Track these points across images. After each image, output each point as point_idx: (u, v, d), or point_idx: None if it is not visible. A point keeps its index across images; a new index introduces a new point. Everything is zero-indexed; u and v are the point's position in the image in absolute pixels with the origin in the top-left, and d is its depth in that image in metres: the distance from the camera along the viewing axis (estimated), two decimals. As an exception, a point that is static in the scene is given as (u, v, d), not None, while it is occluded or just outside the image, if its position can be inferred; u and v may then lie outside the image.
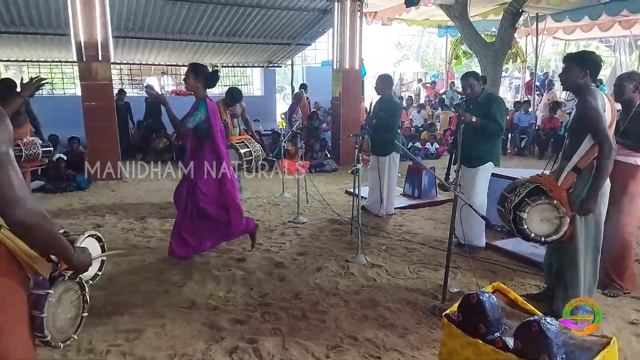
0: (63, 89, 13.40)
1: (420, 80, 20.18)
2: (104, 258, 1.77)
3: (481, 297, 1.93)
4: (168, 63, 13.19)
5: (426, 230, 5.13)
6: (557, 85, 12.82)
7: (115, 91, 9.08)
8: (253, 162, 5.64)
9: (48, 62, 12.19)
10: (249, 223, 4.23)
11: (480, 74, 5.43)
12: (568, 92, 11.16)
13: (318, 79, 13.69)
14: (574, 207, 2.85)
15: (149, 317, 3.13)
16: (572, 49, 16.40)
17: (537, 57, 11.81)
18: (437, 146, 10.45)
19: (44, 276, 1.45)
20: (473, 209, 3.26)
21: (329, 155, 9.36)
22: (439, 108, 13.41)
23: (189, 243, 4.08)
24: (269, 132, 10.82)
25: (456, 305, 2.07)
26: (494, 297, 1.98)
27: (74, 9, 6.80)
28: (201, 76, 3.96)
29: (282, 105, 15.48)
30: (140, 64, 12.93)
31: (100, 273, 1.69)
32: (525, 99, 12.68)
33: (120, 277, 3.74)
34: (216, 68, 4.18)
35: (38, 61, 12.02)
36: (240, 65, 13.76)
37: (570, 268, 2.97)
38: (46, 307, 1.45)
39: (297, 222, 5.36)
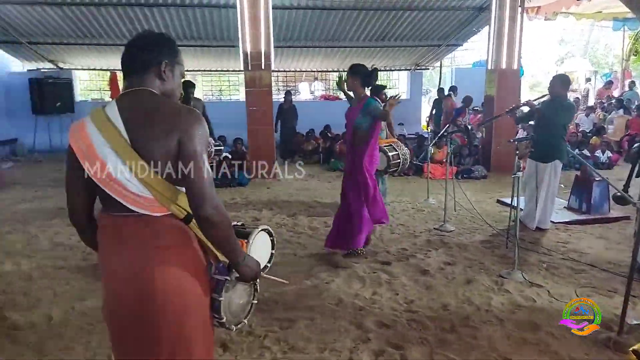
0: (229, 95, 15.02)
1: (588, 80, 17.91)
2: (274, 251, 1.89)
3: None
4: (320, 69, 13.88)
5: (596, 250, 4.51)
6: None
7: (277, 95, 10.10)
8: (401, 165, 5.60)
9: (218, 71, 13.78)
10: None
11: None
12: None
13: (468, 80, 13.05)
14: None
15: (300, 309, 3.30)
16: None
17: None
18: (610, 154, 9.13)
19: (224, 263, 1.61)
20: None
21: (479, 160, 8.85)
22: (614, 111, 11.69)
23: (343, 237, 4.22)
24: (414, 136, 10.67)
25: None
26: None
27: (243, 23, 7.55)
28: (358, 75, 4.06)
29: (428, 108, 15.11)
30: (295, 71, 13.83)
31: (269, 265, 1.82)
32: None
33: (274, 269, 4.01)
34: (375, 67, 4.19)
35: (210, 71, 13.67)
36: (387, 69, 13.82)
37: None
38: (224, 292, 1.59)
39: (443, 229, 5.17)
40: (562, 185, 7.22)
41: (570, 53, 28.39)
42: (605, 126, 10.88)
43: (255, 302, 1.77)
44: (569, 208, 5.81)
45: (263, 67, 7.69)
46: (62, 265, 4.14)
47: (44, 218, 5.65)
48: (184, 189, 1.49)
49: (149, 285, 1.46)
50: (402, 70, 14.09)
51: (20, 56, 11.29)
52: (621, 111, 11.51)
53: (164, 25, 9.77)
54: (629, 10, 9.62)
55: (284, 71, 13.83)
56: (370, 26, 10.72)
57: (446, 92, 11.12)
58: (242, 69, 8.00)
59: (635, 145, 6.33)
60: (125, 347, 1.56)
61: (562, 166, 5.05)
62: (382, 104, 5.94)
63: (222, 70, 13.68)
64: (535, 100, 5.08)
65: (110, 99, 1.63)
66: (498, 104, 8.39)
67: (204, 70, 13.66)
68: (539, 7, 10.25)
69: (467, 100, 10.42)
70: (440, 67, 14.59)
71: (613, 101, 12.50)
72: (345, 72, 4.20)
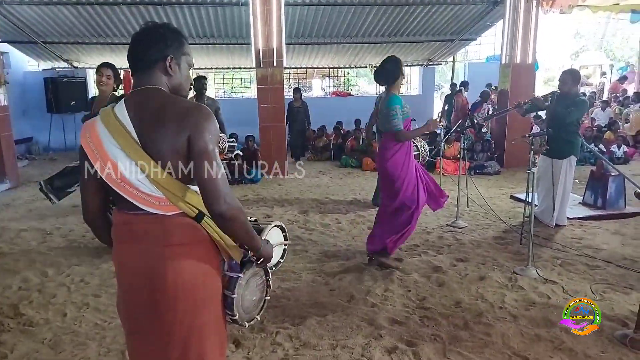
0: (241, 92, 15.07)
1: (604, 74, 17.60)
2: (286, 247, 1.90)
3: None
4: (331, 66, 13.84)
5: (612, 246, 4.43)
6: None
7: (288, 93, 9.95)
8: (420, 157, 5.56)
9: (230, 68, 13.82)
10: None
11: None
12: None
13: (481, 75, 12.91)
14: None
15: (312, 305, 3.30)
16: None
17: None
18: (626, 149, 8.97)
19: (237, 261, 1.61)
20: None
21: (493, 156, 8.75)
22: (633, 104, 11.45)
23: (378, 239, 3.98)
24: (426, 132, 10.59)
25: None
26: None
27: (255, 20, 7.55)
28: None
29: (440, 104, 14.98)
30: (306, 67, 13.82)
31: (282, 260, 1.82)
32: None
33: (286, 265, 4.02)
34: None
35: (222, 68, 13.72)
36: (400, 64, 13.72)
37: None
38: (237, 289, 1.60)
39: (456, 226, 5.13)
40: (577, 181, 7.12)
41: (586, 47, 27.91)
42: (621, 121, 10.67)
43: (268, 298, 1.77)
44: (584, 203, 5.72)
45: (275, 64, 7.69)
46: (76, 262, 4.19)
47: (59, 215, 5.73)
48: (195, 187, 1.50)
49: (161, 280, 1.47)
50: (415, 65, 13.98)
51: (35, 56, 11.45)
52: (638, 105, 11.28)
53: (176, 23, 9.81)
54: (647, 2, 9.43)
55: (296, 68, 13.82)
56: (382, 22, 10.65)
57: (457, 88, 11.01)
58: (254, 66, 8.01)
59: None
60: (139, 343, 1.57)
61: (577, 161, 4.97)
62: None
63: (234, 68, 13.72)
64: (542, 96, 4.99)
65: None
66: (512, 98, 8.27)
67: (216, 68, 13.72)
68: (554, 0, 10.07)
69: (484, 95, 10.28)
70: (453, 62, 14.44)
71: (631, 95, 12.24)
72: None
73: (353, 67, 13.10)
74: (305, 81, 15.26)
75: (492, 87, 11.90)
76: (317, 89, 17.32)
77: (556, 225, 4.98)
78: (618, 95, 13.60)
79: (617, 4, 11.71)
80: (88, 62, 11.91)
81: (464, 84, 11.26)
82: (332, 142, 10.43)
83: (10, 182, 7.41)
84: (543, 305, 3.24)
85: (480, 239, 4.69)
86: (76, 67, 11.79)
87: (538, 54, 9.06)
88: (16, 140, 8.49)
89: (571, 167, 4.90)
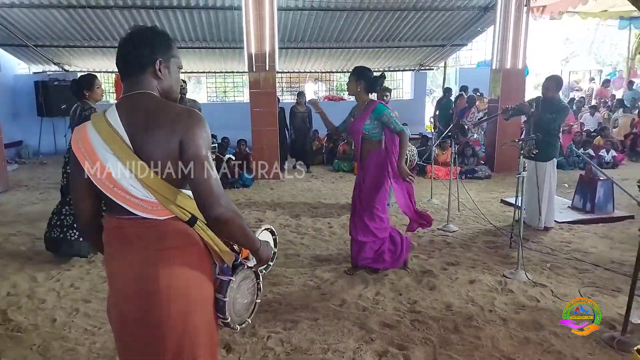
0: (234, 96, 15.06)
1: (592, 79, 17.82)
2: (276, 250, 1.91)
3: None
4: (323, 70, 13.89)
5: (600, 249, 4.49)
6: None
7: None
8: (408, 162, 5.59)
9: (222, 72, 13.82)
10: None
11: None
12: None
13: (472, 81, 13.02)
14: None
15: (303, 309, 3.31)
16: None
17: None
18: (614, 153, 9.09)
19: (228, 264, 1.62)
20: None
21: (482, 161, 8.82)
22: (620, 110, 11.62)
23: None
24: (417, 136, 10.66)
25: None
26: None
27: (248, 25, 7.57)
28: (363, 79, 3.72)
29: (431, 108, 15.09)
30: (299, 72, 13.85)
31: (271, 263, 1.83)
32: None
33: (278, 269, 4.03)
34: (383, 72, 3.91)
35: (215, 72, 13.71)
36: (392, 69, 13.81)
37: None
38: (228, 292, 1.60)
39: (446, 230, 5.16)
40: (567, 185, 7.21)
41: (575, 52, 28.28)
42: (610, 125, 10.81)
43: (259, 301, 1.78)
44: (573, 207, 5.79)
45: (267, 69, 7.71)
46: (66, 267, 4.16)
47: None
48: (188, 191, 1.50)
49: (153, 285, 1.47)
50: (407, 70, 14.08)
51: (26, 59, 11.38)
52: (621, 110, 11.47)
53: (169, 27, 9.81)
54: (635, 9, 9.57)
55: (288, 72, 13.85)
56: (374, 27, 10.72)
57: (457, 92, 11.08)
58: (246, 70, 8.02)
59: None
60: (131, 348, 1.57)
61: (567, 166, 5.06)
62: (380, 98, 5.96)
63: (226, 72, 13.72)
64: (527, 101, 5.07)
65: (116, 102, 1.62)
66: (502, 104, 8.35)
67: (209, 72, 13.71)
68: (544, 7, 10.18)
69: (471, 100, 10.36)
70: (445, 67, 14.57)
71: (614, 101, 12.41)
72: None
73: (345, 72, 13.15)
74: (297, 85, 15.28)
75: (478, 92, 11.99)
76: (310, 93, 17.36)
77: (545, 227, 5.03)
78: (607, 100, 13.78)
79: (606, 10, 11.89)
80: (79, 66, 11.85)
81: (464, 88, 11.34)
82: (324, 146, 10.46)
83: (0, 186, 7.34)
84: (532, 309, 3.28)
85: (470, 243, 4.72)
86: (67, 71, 11.73)
87: (528, 60, 9.17)
88: (6, 144, 8.43)
89: (554, 169, 5.03)
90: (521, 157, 3.95)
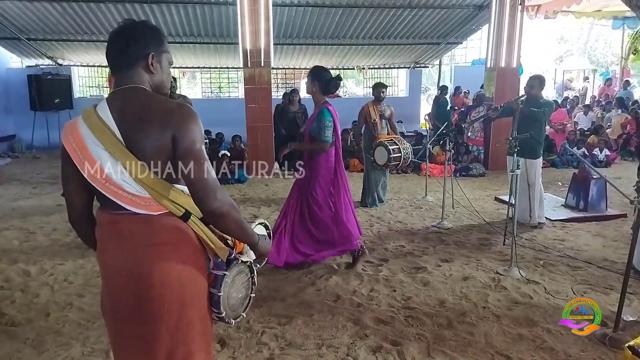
0: (228, 92, 15.00)
1: (586, 79, 17.93)
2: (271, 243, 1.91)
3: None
4: (318, 67, 13.83)
5: (593, 247, 4.53)
6: None
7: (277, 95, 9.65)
8: (402, 160, 5.60)
9: (217, 68, 13.75)
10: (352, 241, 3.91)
11: None
12: None
13: (467, 79, 13.07)
14: None
15: (298, 305, 3.31)
16: None
17: None
18: (608, 152, 9.16)
19: (222, 259, 1.62)
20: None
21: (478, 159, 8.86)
22: (614, 109, 11.67)
23: (298, 249, 3.90)
24: (412, 134, 10.68)
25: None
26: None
27: (242, 20, 7.53)
28: (318, 80, 3.71)
29: (426, 106, 15.11)
30: (294, 68, 13.81)
31: (266, 258, 1.83)
32: None
33: (270, 265, 4.01)
34: (339, 75, 3.91)
35: (209, 68, 13.64)
36: (387, 66, 13.81)
37: None
38: (223, 287, 1.60)
39: (441, 227, 5.18)
40: (560, 183, 7.26)
41: (570, 52, 28.40)
42: (602, 125, 10.88)
43: (253, 295, 1.78)
44: (566, 206, 5.83)
45: (262, 65, 7.67)
46: (59, 262, 4.14)
47: (42, 214, 5.65)
48: (181, 186, 1.50)
49: (147, 280, 1.47)
50: (402, 68, 14.08)
51: (18, 52, 11.25)
52: (620, 110, 11.50)
53: (163, 21, 9.74)
54: (628, 9, 9.63)
55: (283, 68, 13.81)
56: (370, 24, 10.70)
57: (453, 90, 11.04)
58: (241, 66, 7.99)
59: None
60: (125, 343, 1.56)
61: (560, 164, 5.13)
62: (380, 101, 5.98)
63: (221, 68, 13.65)
64: (514, 99, 5.13)
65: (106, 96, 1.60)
66: (497, 102, 8.38)
67: (203, 68, 13.63)
68: (539, 6, 10.24)
69: (479, 98, 10.21)
70: (440, 65, 14.58)
71: (614, 100, 12.45)
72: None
73: (341, 69, 13.12)
74: (292, 82, 15.25)
75: (464, 91, 11.97)
76: (305, 89, 17.34)
77: (538, 223, 5.07)
78: (601, 99, 13.86)
79: (600, 10, 11.98)
80: (73, 60, 11.74)
81: (444, 88, 11.34)
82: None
83: (-8, 180, 7.28)
84: (525, 305, 3.30)
85: (464, 240, 4.74)
86: (60, 65, 11.62)
87: (523, 58, 9.20)
88: (-2, 138, 8.36)
89: (540, 165, 5.13)
90: (514, 155, 3.97)
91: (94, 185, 1.46)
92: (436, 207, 5.96)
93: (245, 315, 1.75)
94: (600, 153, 9.04)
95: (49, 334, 2.93)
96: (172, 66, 1.66)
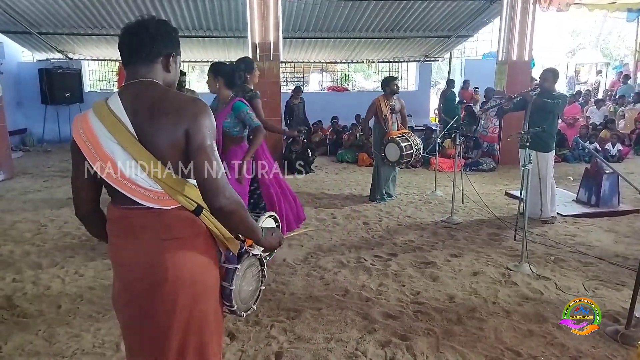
0: (237, 86, 15.00)
1: (599, 72, 17.66)
2: (282, 236, 1.90)
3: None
4: (327, 60, 13.81)
5: (605, 243, 4.47)
6: None
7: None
8: (414, 155, 5.56)
9: (226, 62, 13.75)
10: None
11: None
12: None
13: (478, 72, 12.94)
14: None
15: (306, 299, 3.32)
16: None
17: None
18: (620, 147, 9.03)
19: (234, 252, 1.62)
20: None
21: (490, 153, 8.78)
22: (632, 104, 11.48)
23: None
24: (422, 128, 10.62)
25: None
26: None
27: (252, 13, 7.51)
28: (221, 76, 3.62)
29: (436, 100, 15.00)
30: (303, 62, 13.78)
31: (275, 251, 1.83)
32: None
33: (279, 259, 4.03)
34: (241, 68, 3.88)
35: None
36: (396, 60, 13.72)
37: None
38: (235, 280, 1.60)
39: (450, 222, 5.15)
40: (572, 178, 7.18)
41: (582, 45, 27.99)
42: (614, 119, 10.72)
43: (263, 287, 1.79)
44: (578, 201, 5.76)
45: (272, 58, 7.66)
46: (70, 254, 4.18)
47: (53, 207, 5.71)
48: (194, 181, 1.49)
49: (161, 275, 1.47)
50: (411, 61, 13.99)
51: (30, 46, 11.35)
52: (632, 105, 11.32)
53: (172, 15, 9.76)
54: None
55: (292, 62, 13.79)
56: (379, 17, 10.63)
57: (462, 84, 10.92)
58: (250, 59, 7.97)
59: None
60: (137, 335, 1.57)
61: (572, 159, 5.07)
62: (394, 94, 5.93)
63: (230, 61, 13.64)
64: (528, 91, 5.08)
65: (118, 89, 1.60)
66: (508, 96, 8.30)
67: (212, 61, 13.63)
68: (551, -2, 10.11)
69: (489, 93, 10.13)
70: (450, 58, 14.45)
71: (633, 95, 12.19)
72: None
73: (350, 62, 13.10)
74: (302, 75, 15.22)
75: (475, 88, 11.81)
76: (315, 83, 17.29)
77: (548, 218, 5.03)
78: (614, 93, 13.64)
79: (614, 2, 11.80)
80: (83, 54, 11.82)
81: (450, 82, 11.24)
82: (327, 137, 10.43)
83: (5, 173, 7.36)
84: (536, 301, 3.27)
85: (474, 235, 4.71)
86: (71, 59, 11.71)
87: (535, 52, 9.09)
88: (10, 132, 8.44)
89: (552, 159, 5.07)
90: (526, 149, 3.93)
91: (106, 179, 1.45)
92: (445, 201, 5.92)
93: (255, 308, 1.76)
94: (613, 148, 8.92)
95: (60, 326, 2.96)
96: (183, 61, 1.67)
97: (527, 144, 4.01)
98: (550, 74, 5.00)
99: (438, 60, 14.76)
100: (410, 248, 4.36)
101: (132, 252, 1.50)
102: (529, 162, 3.91)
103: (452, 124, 6.66)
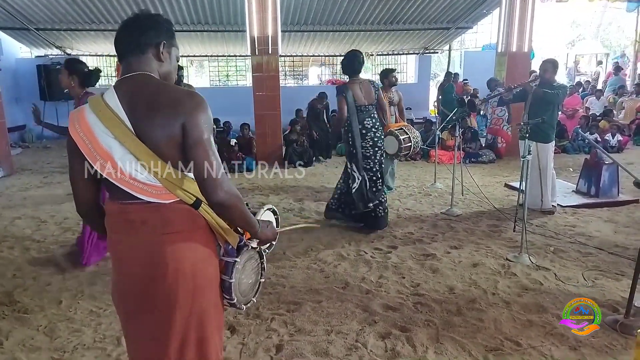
0: (236, 80, 14.96)
1: (600, 63, 17.61)
2: (278, 229, 1.90)
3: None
4: (327, 54, 13.74)
5: (604, 233, 4.48)
6: None
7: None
8: (412, 148, 5.56)
9: (225, 56, 13.70)
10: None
11: None
12: None
13: (477, 64, 12.88)
14: None
15: (307, 292, 3.32)
16: None
17: None
18: (620, 137, 9.01)
19: (233, 246, 1.62)
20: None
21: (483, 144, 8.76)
22: (633, 94, 11.43)
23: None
24: (421, 121, 10.59)
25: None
26: None
27: (250, 7, 7.47)
28: (76, 74, 3.61)
29: (436, 93, 14.94)
30: (302, 55, 13.72)
31: (274, 243, 1.82)
32: None
33: (279, 253, 4.03)
34: (97, 67, 3.86)
35: (217, 56, 13.60)
36: (395, 52, 13.66)
37: None
38: (234, 273, 1.60)
39: (450, 214, 5.15)
40: (571, 169, 7.18)
41: (582, 35, 27.85)
42: (615, 109, 10.70)
43: (263, 280, 1.79)
44: (577, 191, 5.76)
45: (270, 52, 7.63)
46: (71, 250, 4.18)
47: (53, 203, 5.72)
48: (192, 175, 1.49)
49: (162, 268, 1.47)
50: (411, 54, 13.92)
51: (27, 42, 11.30)
52: (633, 95, 11.29)
53: (170, 10, 9.71)
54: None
55: (291, 56, 13.73)
56: (378, 9, 10.56)
57: (462, 78, 10.88)
58: (249, 53, 7.94)
59: None
60: (138, 330, 1.57)
61: (572, 150, 5.07)
62: (392, 86, 5.92)
63: (229, 56, 13.60)
64: (528, 82, 5.08)
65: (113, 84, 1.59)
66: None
67: (211, 56, 13.60)
68: (550, -12, 10.05)
69: (491, 83, 10.06)
70: (450, 50, 14.39)
71: (633, 87, 12.16)
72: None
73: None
74: (301, 69, 15.16)
75: (465, 80, 11.75)
76: (314, 77, 17.23)
77: (552, 206, 5.03)
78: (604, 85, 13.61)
79: (614, -8, 11.71)
80: (82, 49, 11.78)
81: (449, 75, 11.19)
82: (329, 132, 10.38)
83: (4, 170, 7.36)
84: (535, 292, 3.28)
85: (474, 227, 4.72)
86: (69, 54, 11.66)
87: (534, 43, 9.05)
88: (9, 128, 8.42)
89: (552, 150, 5.07)
90: (526, 140, 3.92)
91: (105, 174, 1.44)
92: (445, 194, 5.92)
93: (255, 301, 1.77)
94: (613, 138, 8.90)
95: (61, 321, 2.97)
96: (182, 55, 1.66)
97: (527, 135, 4.00)
98: (550, 65, 5.00)
99: (437, 53, 14.69)
100: (410, 240, 4.36)
101: (132, 247, 1.50)
102: (529, 153, 3.90)
103: (452, 116, 6.65)
